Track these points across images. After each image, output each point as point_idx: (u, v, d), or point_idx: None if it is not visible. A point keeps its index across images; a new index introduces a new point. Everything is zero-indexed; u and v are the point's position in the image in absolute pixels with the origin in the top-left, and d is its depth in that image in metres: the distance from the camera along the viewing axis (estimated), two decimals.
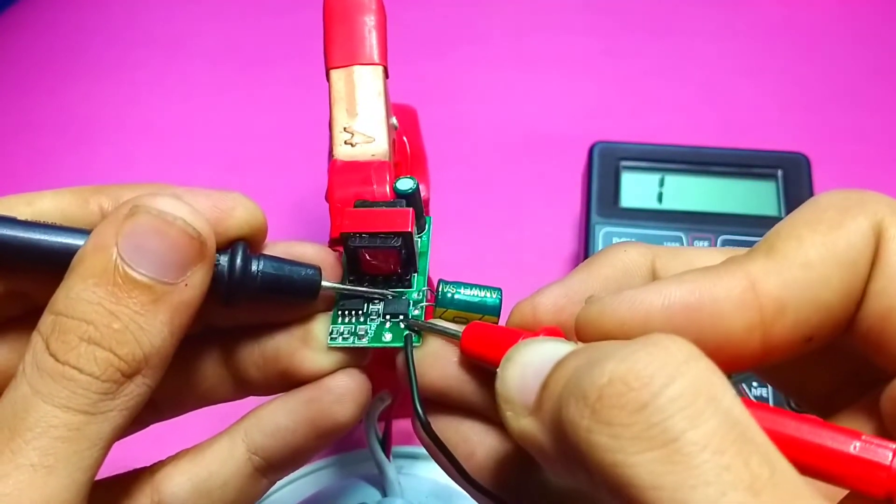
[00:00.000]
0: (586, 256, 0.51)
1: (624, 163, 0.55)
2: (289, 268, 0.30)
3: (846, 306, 0.24)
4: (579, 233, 0.55)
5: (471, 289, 0.30)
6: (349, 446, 0.50)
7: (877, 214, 0.24)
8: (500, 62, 0.71)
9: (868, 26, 0.72)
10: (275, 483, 0.33)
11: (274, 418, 0.31)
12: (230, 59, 0.72)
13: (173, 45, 0.74)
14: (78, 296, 0.26)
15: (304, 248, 0.32)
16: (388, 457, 0.42)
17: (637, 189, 0.54)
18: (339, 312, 0.31)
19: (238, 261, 0.29)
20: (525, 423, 0.23)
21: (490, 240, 0.59)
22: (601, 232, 0.52)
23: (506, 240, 0.59)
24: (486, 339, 0.27)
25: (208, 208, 0.29)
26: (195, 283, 0.27)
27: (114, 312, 0.26)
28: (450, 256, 0.55)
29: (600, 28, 0.73)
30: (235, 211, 0.30)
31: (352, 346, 0.30)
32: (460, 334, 0.28)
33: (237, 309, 0.30)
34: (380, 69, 0.35)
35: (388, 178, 0.32)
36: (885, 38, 0.71)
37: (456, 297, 0.30)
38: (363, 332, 0.30)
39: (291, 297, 0.30)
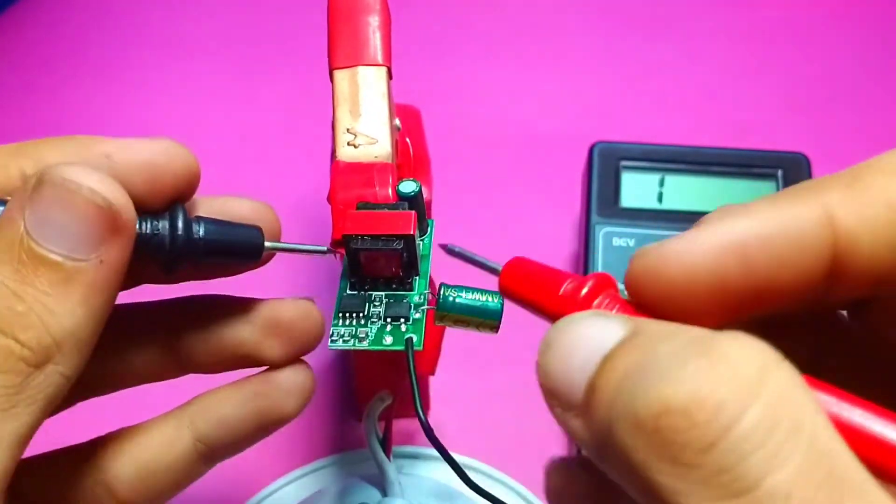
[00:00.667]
0: (586, 256, 0.51)
1: (624, 163, 0.55)
2: (231, 230, 0.30)
3: None
4: (579, 233, 0.55)
5: (472, 293, 0.30)
6: (349, 446, 0.50)
7: None
8: (500, 62, 0.71)
9: (868, 26, 0.72)
10: (213, 466, 0.33)
11: (221, 409, 0.31)
12: (231, 59, 0.72)
13: (174, 45, 0.74)
14: None
15: (240, 204, 0.31)
16: (388, 457, 0.42)
17: (637, 189, 0.54)
18: (340, 314, 0.31)
19: (179, 226, 0.28)
20: (575, 424, 0.20)
21: (490, 239, 0.59)
22: (601, 232, 0.52)
23: (505, 240, 0.59)
24: (527, 280, 0.26)
25: (142, 163, 0.28)
26: (112, 259, 0.25)
27: (17, 293, 0.23)
28: (448, 256, 0.55)
29: (600, 28, 0.73)
30: (173, 164, 0.29)
31: (352, 348, 0.30)
32: (500, 269, 0.27)
33: (178, 275, 0.29)
34: (384, 70, 0.35)
35: (390, 181, 0.32)
36: (885, 38, 0.71)
37: (457, 300, 0.30)
38: (364, 335, 0.30)
39: (235, 259, 0.30)
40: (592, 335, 0.21)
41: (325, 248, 0.31)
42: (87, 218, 0.24)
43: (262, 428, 0.31)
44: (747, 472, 0.16)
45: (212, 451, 0.31)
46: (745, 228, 0.21)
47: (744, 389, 0.17)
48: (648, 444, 0.17)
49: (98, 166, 0.26)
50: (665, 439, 0.17)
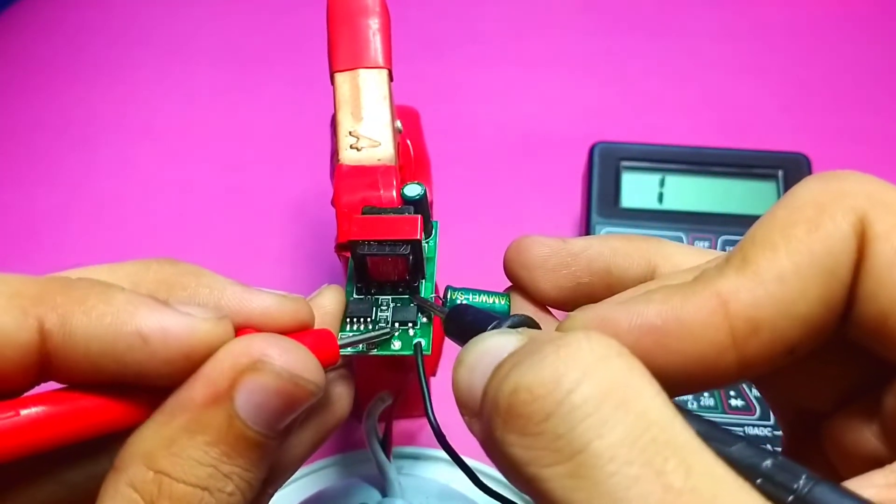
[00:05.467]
0: None
1: (624, 163, 0.55)
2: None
3: (826, 316, 0.22)
4: (579, 233, 0.55)
5: (479, 295, 0.30)
6: (349, 447, 0.50)
7: (857, 210, 0.22)
8: (500, 62, 0.71)
9: (868, 26, 0.72)
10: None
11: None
12: (231, 59, 0.72)
13: (174, 44, 0.74)
14: (187, 454, 0.23)
15: (276, 305, 0.28)
16: (388, 457, 0.42)
17: (637, 189, 0.54)
18: (348, 319, 0.30)
19: None
20: (476, 429, 0.22)
21: (490, 240, 0.58)
22: (602, 232, 0.52)
23: (506, 240, 0.58)
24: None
25: (179, 353, 0.24)
26: (295, 423, 0.26)
27: (227, 475, 0.24)
28: (449, 257, 0.55)
29: (600, 28, 0.73)
30: (214, 350, 0.25)
31: (361, 353, 0.30)
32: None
33: None
34: (385, 72, 0.35)
35: (394, 183, 0.32)
36: (885, 39, 0.72)
37: (464, 303, 0.30)
38: None
39: None
40: (492, 348, 0.22)
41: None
42: (302, 405, 0.25)
43: (321, 441, 0.30)
44: (577, 437, 0.18)
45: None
46: (639, 316, 0.23)
47: (579, 370, 0.19)
48: (504, 421, 0.20)
49: (131, 346, 0.24)
50: (514, 413, 0.19)
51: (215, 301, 0.26)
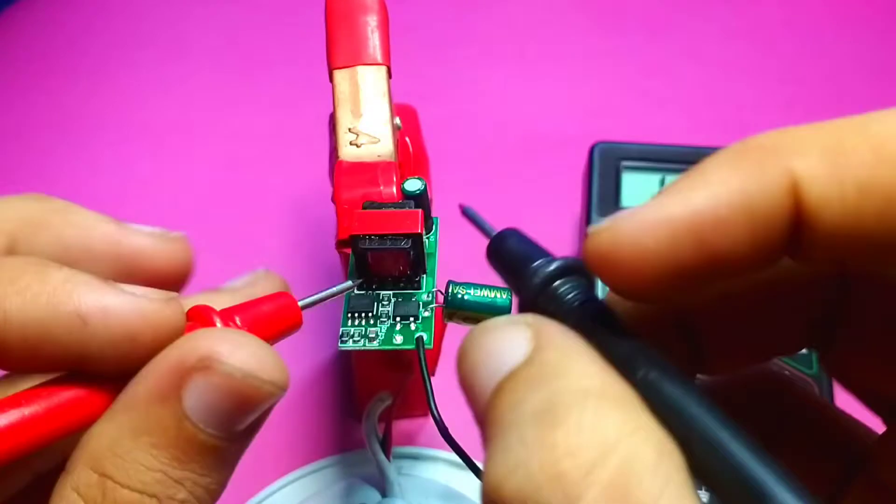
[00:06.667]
0: None
1: (624, 163, 0.55)
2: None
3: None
4: (580, 233, 0.55)
5: (480, 289, 0.30)
6: (349, 447, 0.50)
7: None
8: (500, 62, 0.71)
9: (868, 26, 0.73)
10: None
11: None
12: (229, 57, 0.72)
13: (173, 44, 0.74)
14: (132, 457, 0.21)
15: (148, 245, 0.26)
16: (388, 457, 0.42)
17: (638, 189, 0.54)
18: (349, 315, 0.30)
19: None
20: (481, 428, 0.21)
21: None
22: None
23: None
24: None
25: (121, 331, 0.22)
26: (257, 425, 0.23)
27: (178, 480, 0.22)
28: (450, 256, 0.55)
29: (600, 28, 0.73)
30: (157, 321, 0.23)
31: (363, 348, 0.30)
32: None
33: None
34: (383, 69, 0.36)
35: (394, 179, 0.32)
36: (885, 38, 0.72)
37: (466, 297, 0.30)
38: (374, 335, 0.30)
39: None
40: (494, 353, 0.20)
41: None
42: (262, 405, 0.22)
43: None
44: None
45: None
46: (701, 204, 0.19)
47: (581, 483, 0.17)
48: None
49: (70, 328, 0.22)
50: None
51: (84, 242, 0.25)
